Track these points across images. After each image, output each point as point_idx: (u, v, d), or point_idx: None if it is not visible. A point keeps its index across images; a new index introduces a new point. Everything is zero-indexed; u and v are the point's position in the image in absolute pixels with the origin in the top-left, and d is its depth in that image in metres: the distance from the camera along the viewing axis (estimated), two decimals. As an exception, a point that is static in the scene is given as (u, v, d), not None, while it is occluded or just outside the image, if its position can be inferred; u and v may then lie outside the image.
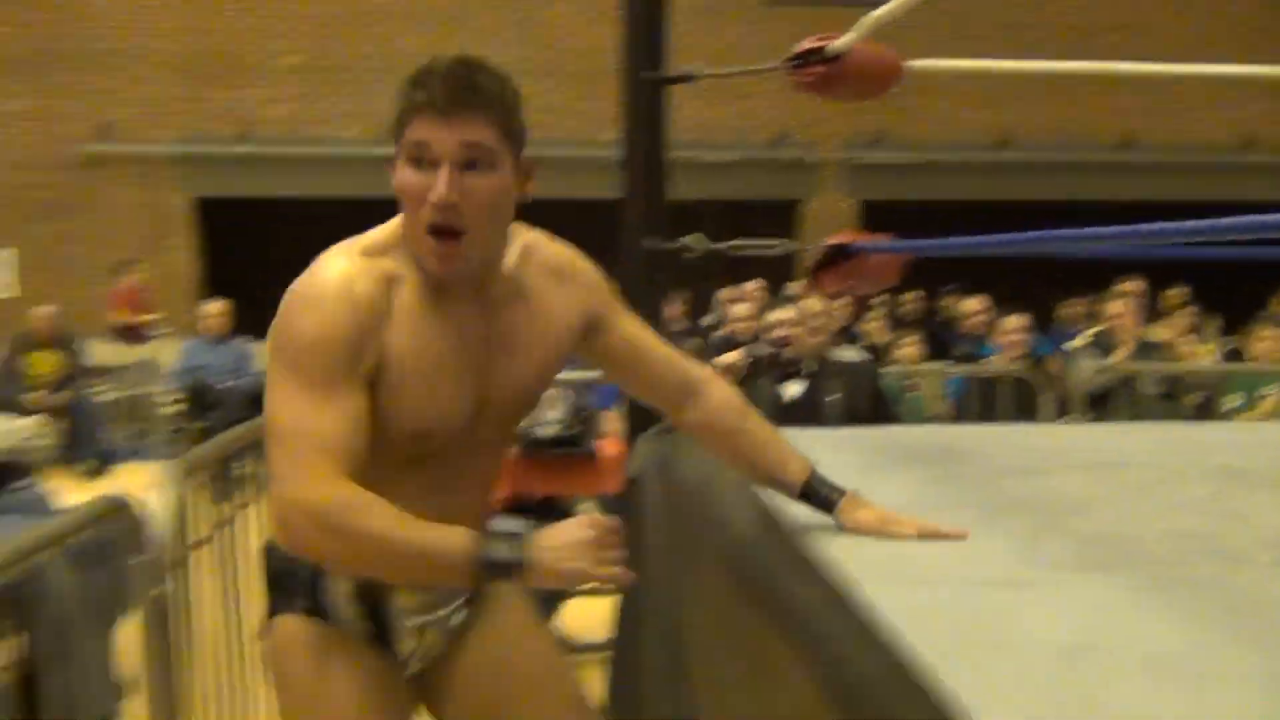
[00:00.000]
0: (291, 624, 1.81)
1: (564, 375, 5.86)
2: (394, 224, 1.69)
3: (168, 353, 9.70)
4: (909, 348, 6.51)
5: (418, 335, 1.65)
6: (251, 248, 11.14)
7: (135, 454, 8.26)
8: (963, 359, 6.23)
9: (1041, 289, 10.14)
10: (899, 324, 8.09)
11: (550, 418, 4.97)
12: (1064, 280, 9.21)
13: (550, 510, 4.51)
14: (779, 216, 11.88)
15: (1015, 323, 5.78)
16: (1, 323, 9.64)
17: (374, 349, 1.62)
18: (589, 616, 4.03)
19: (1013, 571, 1.62)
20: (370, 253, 1.66)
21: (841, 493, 1.91)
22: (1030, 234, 2.16)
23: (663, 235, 3.25)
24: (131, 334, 9.81)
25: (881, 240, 2.90)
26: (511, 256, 1.77)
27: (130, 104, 10.89)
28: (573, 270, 1.86)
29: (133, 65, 10.95)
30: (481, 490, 1.87)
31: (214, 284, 11.10)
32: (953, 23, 11.37)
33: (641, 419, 3.19)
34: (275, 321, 1.62)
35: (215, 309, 8.74)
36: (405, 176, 1.60)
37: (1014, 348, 5.74)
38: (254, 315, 11.29)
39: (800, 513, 1.97)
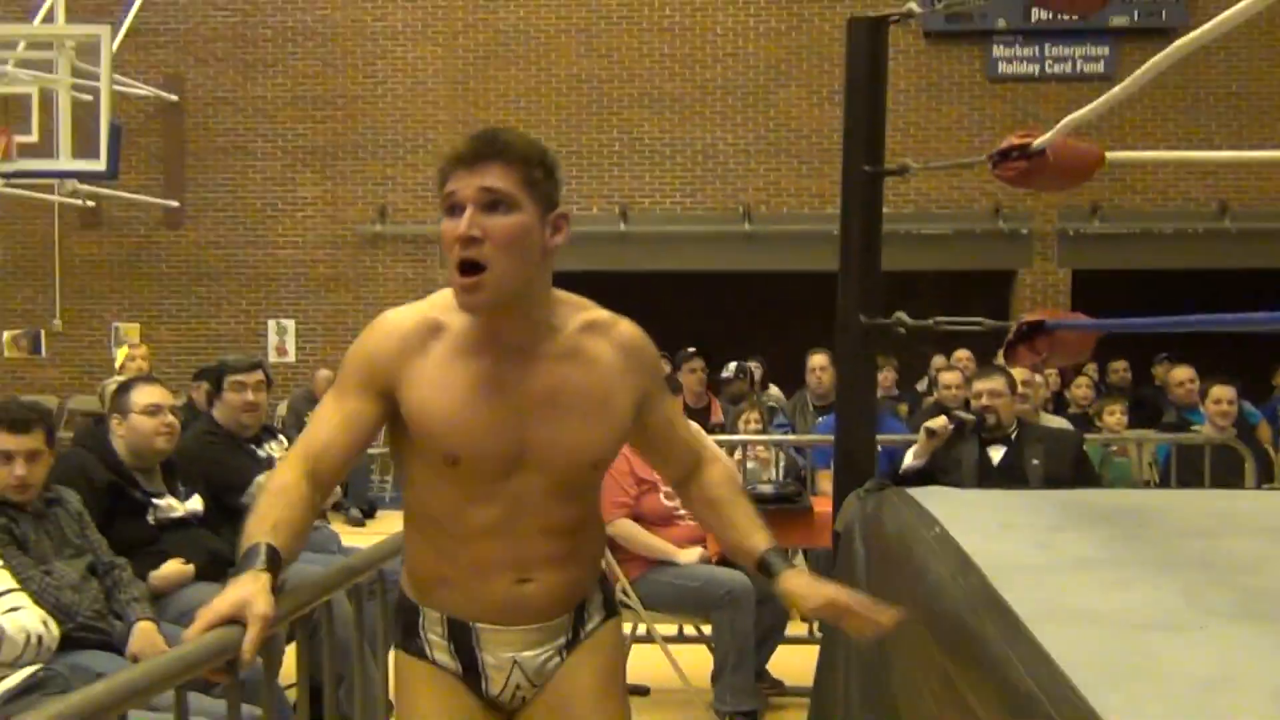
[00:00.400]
0: (399, 659, 2.03)
1: (782, 437, 6.07)
2: (450, 290, 1.85)
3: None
4: (1115, 415, 6.45)
5: (447, 371, 1.84)
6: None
7: (394, 502, 8.87)
8: (1170, 426, 6.14)
9: (1258, 356, 9.77)
10: (1107, 391, 7.97)
11: (768, 475, 5.19)
12: (1281, 349, 8.86)
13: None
14: (994, 286, 11.80)
15: (1222, 392, 5.69)
16: (281, 384, 10.50)
17: (395, 370, 1.85)
18: (800, 661, 4.19)
19: (1171, 617, 1.76)
20: (429, 307, 1.89)
21: (787, 565, 2.07)
22: (1229, 315, 2.12)
23: (876, 311, 3.44)
24: None
25: (1074, 318, 3.02)
26: (574, 322, 1.93)
27: (405, 189, 11.72)
28: (639, 349, 1.99)
29: (409, 154, 11.79)
30: (553, 539, 1.94)
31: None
32: (1170, 97, 11.15)
33: (850, 478, 3.37)
34: None
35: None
36: (442, 227, 1.79)
37: (1222, 416, 5.65)
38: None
39: (991, 558, 2.14)
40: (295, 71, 11.86)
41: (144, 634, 3.23)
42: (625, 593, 4.54)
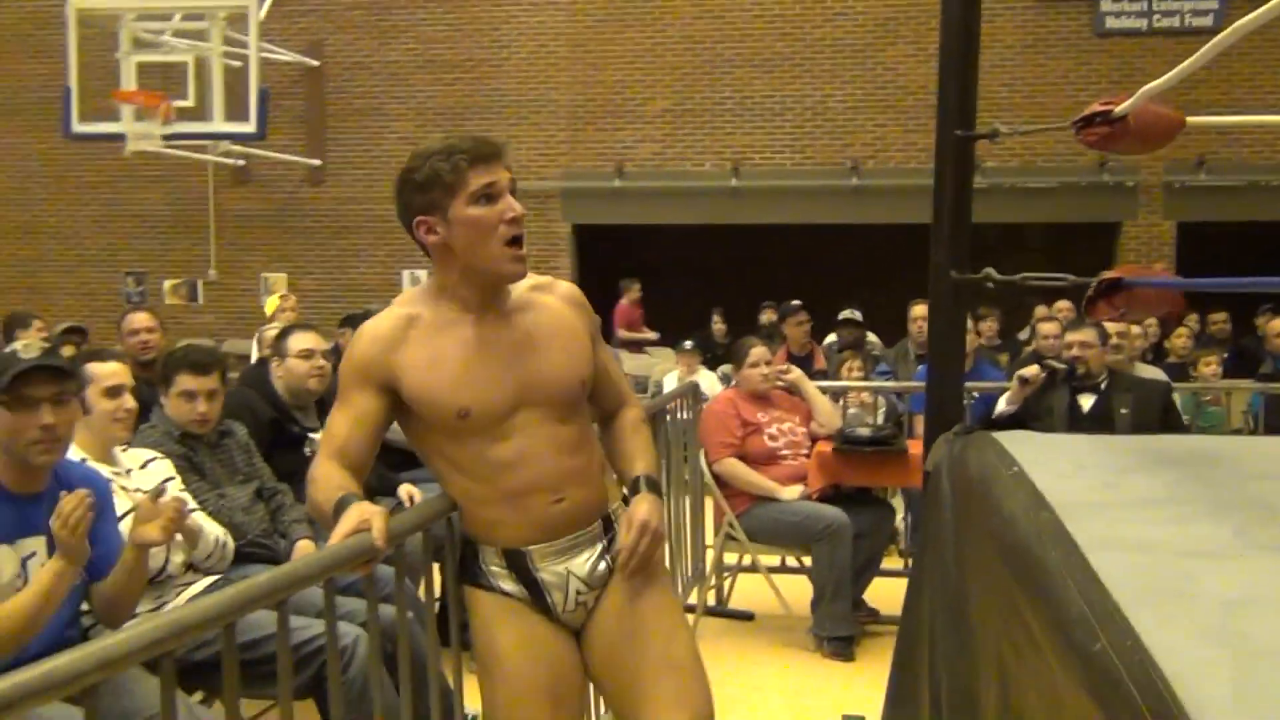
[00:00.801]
0: (471, 594, 2.27)
1: (881, 383, 6.15)
2: (414, 289, 2.23)
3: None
4: (1211, 365, 6.39)
5: (434, 347, 2.15)
6: (616, 268, 11.98)
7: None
8: (1266, 377, 6.08)
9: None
10: (1206, 342, 7.86)
11: (869, 420, 5.31)
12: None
13: (863, 499, 4.84)
14: (1100, 238, 11.61)
15: (1317, 343, 5.61)
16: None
17: (386, 366, 2.14)
18: (894, 591, 4.35)
19: (1218, 547, 1.87)
20: (398, 307, 2.21)
21: (647, 490, 2.28)
22: None
23: (966, 267, 3.53)
24: (634, 347, 10.92)
25: (1155, 274, 3.08)
26: (522, 285, 2.24)
27: (528, 147, 11.96)
28: (580, 300, 2.32)
29: (532, 115, 12.02)
30: (565, 456, 2.21)
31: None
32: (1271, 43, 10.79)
33: (939, 423, 3.48)
34: None
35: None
36: (478, 213, 2.09)
37: (1316, 367, 5.58)
38: (613, 329, 12.16)
39: (1060, 495, 2.26)
40: (426, 36, 12.13)
41: (304, 550, 3.53)
42: (731, 525, 4.73)
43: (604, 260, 12.66)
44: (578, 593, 2.26)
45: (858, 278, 11.79)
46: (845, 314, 7.68)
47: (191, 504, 3.33)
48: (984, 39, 11.55)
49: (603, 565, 2.28)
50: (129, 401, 3.13)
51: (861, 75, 11.54)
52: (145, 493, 3.15)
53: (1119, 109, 2.84)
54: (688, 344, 8.46)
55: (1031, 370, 4.74)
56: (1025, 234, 12.43)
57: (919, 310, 7.25)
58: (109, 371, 3.12)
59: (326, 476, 2.07)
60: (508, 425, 2.16)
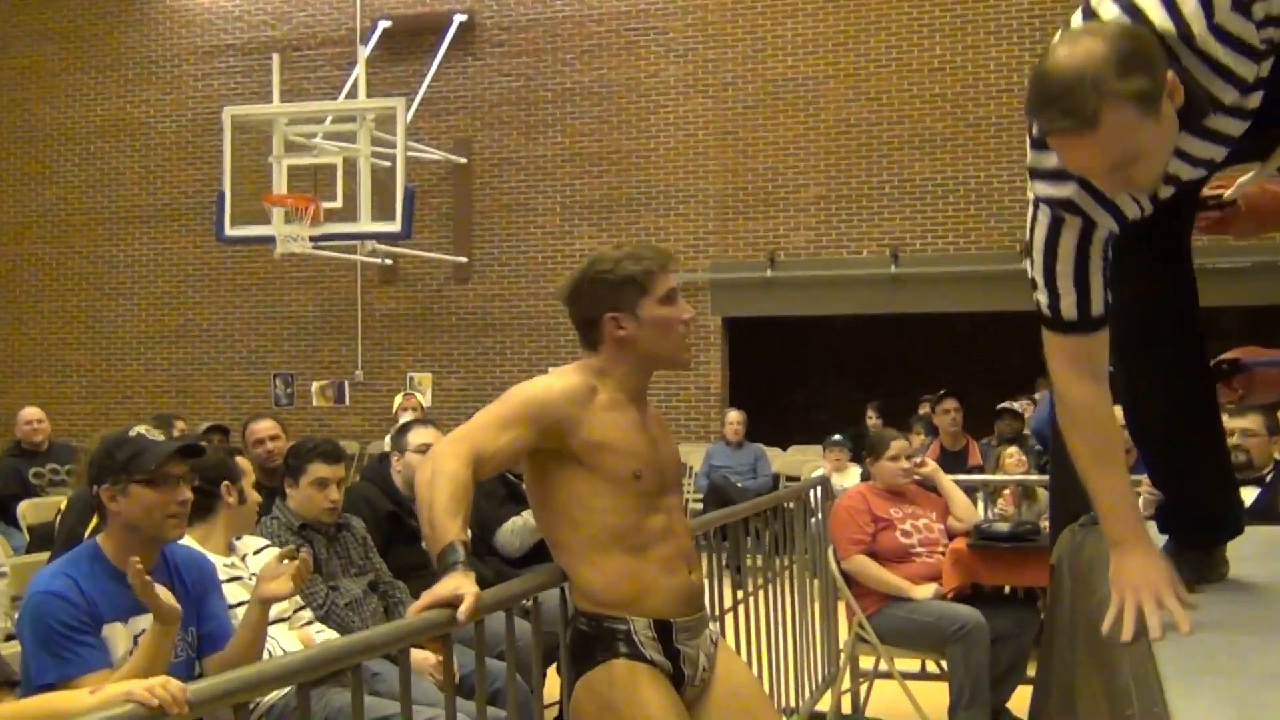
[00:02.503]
0: (623, 667, 2.49)
1: (1022, 477, 6.13)
2: (575, 365, 2.63)
3: (694, 456, 10.83)
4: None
5: (614, 416, 2.55)
6: (769, 363, 12.14)
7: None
8: None
9: None
10: None
11: (1011, 515, 5.33)
12: None
13: (1005, 599, 4.85)
14: (1305, 321, 11.24)
15: None
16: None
17: (567, 416, 2.47)
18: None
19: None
20: (577, 374, 2.57)
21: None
22: None
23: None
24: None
25: (1274, 354, 3.11)
26: None
27: (677, 238, 12.33)
28: None
29: (680, 205, 12.41)
30: (688, 537, 2.70)
31: (735, 394, 12.21)
32: None
33: (1064, 515, 3.54)
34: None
35: (735, 416, 9.69)
36: (666, 313, 2.57)
37: None
38: (766, 423, 12.28)
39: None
40: (573, 130, 12.72)
41: (416, 657, 3.79)
42: (862, 626, 4.81)
43: (756, 354, 12.86)
44: (703, 669, 2.61)
45: (1025, 367, 11.68)
46: (1004, 404, 7.69)
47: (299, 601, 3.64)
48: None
49: (712, 648, 2.69)
50: (254, 496, 3.51)
51: (1027, 154, 11.56)
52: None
53: (1228, 194, 2.93)
54: (836, 437, 8.50)
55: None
56: (1221, 320, 12.11)
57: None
58: (246, 469, 3.51)
59: (452, 490, 2.29)
60: (660, 500, 2.60)
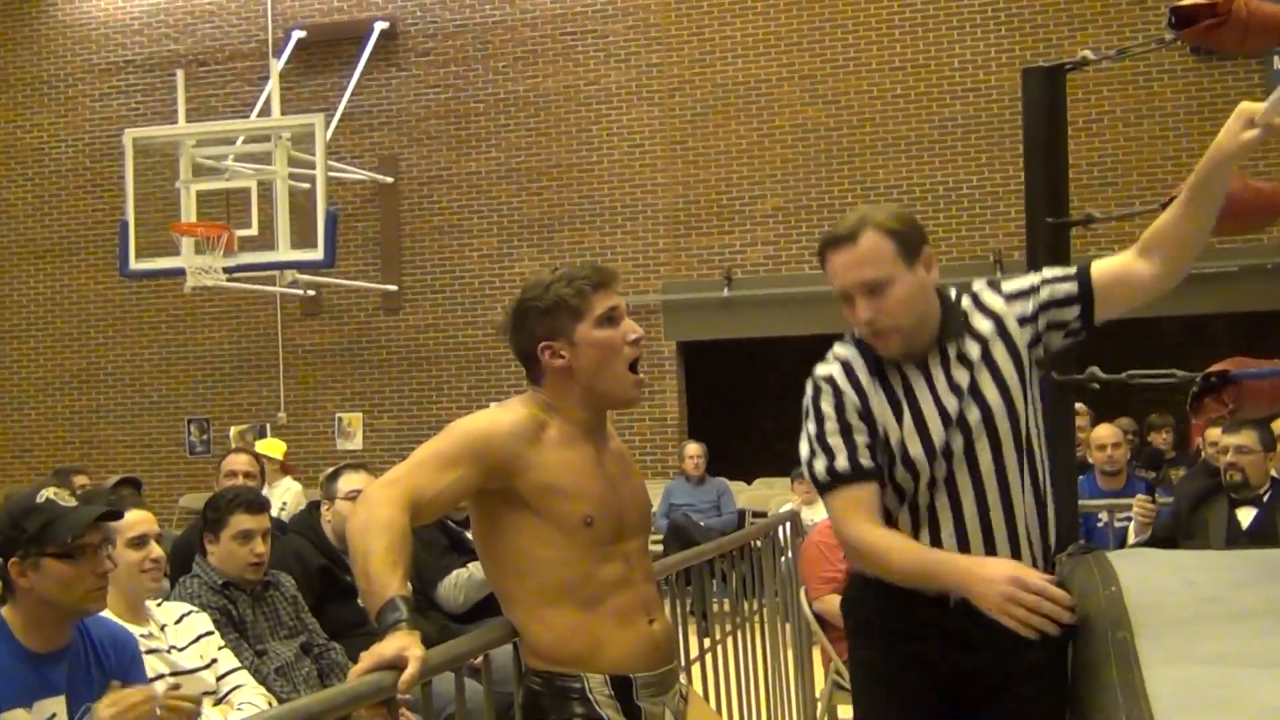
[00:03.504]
0: None
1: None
2: (520, 399, 2.61)
3: (652, 494, 10.82)
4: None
5: (565, 454, 2.53)
6: (729, 390, 12.18)
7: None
8: None
9: None
10: None
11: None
12: None
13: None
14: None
15: None
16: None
17: (513, 454, 2.46)
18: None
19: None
20: (523, 407, 2.57)
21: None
22: None
23: (1069, 367, 3.68)
24: None
25: (1265, 366, 3.19)
26: None
27: (625, 258, 12.37)
28: None
29: (628, 222, 12.46)
30: (651, 584, 2.68)
31: (693, 425, 12.25)
32: None
33: (1061, 540, 3.59)
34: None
35: (695, 450, 9.73)
36: (604, 335, 2.54)
37: None
38: (728, 455, 12.33)
39: (1151, 614, 2.42)
40: (509, 144, 12.75)
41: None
42: (839, 673, 4.84)
43: (715, 381, 12.91)
44: None
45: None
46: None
47: (230, 663, 3.62)
48: (1141, 106, 11.80)
49: (681, 705, 2.68)
50: (155, 551, 3.44)
51: (1000, 157, 11.73)
52: (179, 650, 3.46)
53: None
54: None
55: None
56: (1209, 328, 12.33)
57: (1078, 420, 7.31)
58: (132, 521, 3.44)
59: (389, 541, 2.26)
60: (618, 546, 2.57)
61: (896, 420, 2.58)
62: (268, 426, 13.10)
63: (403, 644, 2.15)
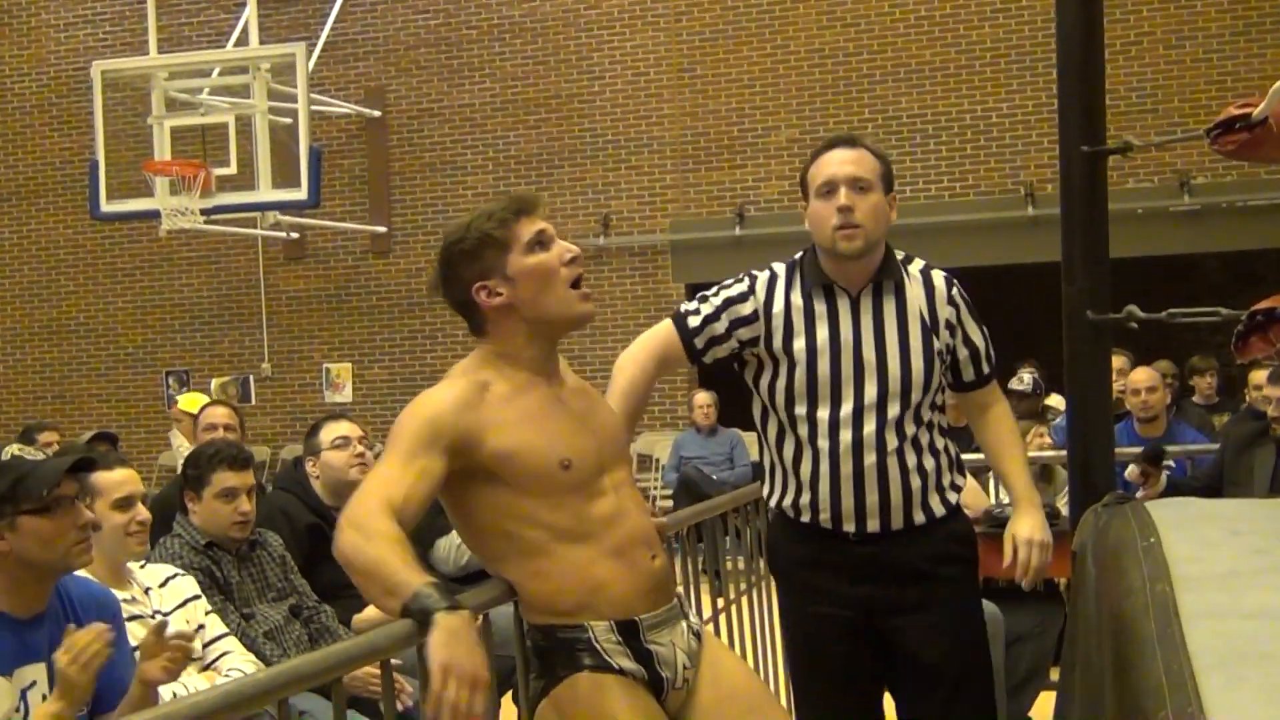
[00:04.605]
0: (587, 679, 2.52)
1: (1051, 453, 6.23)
2: (466, 362, 2.65)
3: (660, 446, 10.87)
4: None
5: (517, 406, 2.55)
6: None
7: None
8: None
9: None
10: None
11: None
12: None
13: (1023, 595, 4.89)
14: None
15: None
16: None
17: (463, 427, 2.47)
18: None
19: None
20: (463, 375, 2.60)
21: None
22: None
23: (1105, 307, 3.67)
24: None
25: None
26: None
27: (630, 195, 12.34)
28: None
29: (632, 156, 12.41)
30: (645, 514, 2.73)
31: (703, 373, 12.24)
32: None
33: (1086, 494, 3.60)
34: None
35: (705, 399, 9.73)
36: (538, 259, 2.58)
37: None
38: (741, 404, 12.30)
39: (1192, 565, 2.43)
40: (504, 74, 12.68)
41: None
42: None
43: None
44: (684, 667, 2.64)
45: (1036, 328, 11.77)
46: (1014, 384, 7.76)
47: (218, 629, 3.65)
48: (1183, 28, 11.68)
49: (694, 642, 2.70)
50: (141, 513, 3.46)
51: (1032, 83, 11.65)
52: (164, 615, 3.48)
53: (1257, 111, 3.00)
54: None
55: (1132, 473, 4.88)
56: (1255, 263, 12.29)
57: (1116, 362, 7.28)
58: (117, 480, 3.46)
59: (388, 536, 2.27)
60: (601, 481, 2.61)
61: (810, 336, 3.07)
62: (251, 378, 13.15)
63: (476, 665, 2.14)
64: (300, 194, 10.71)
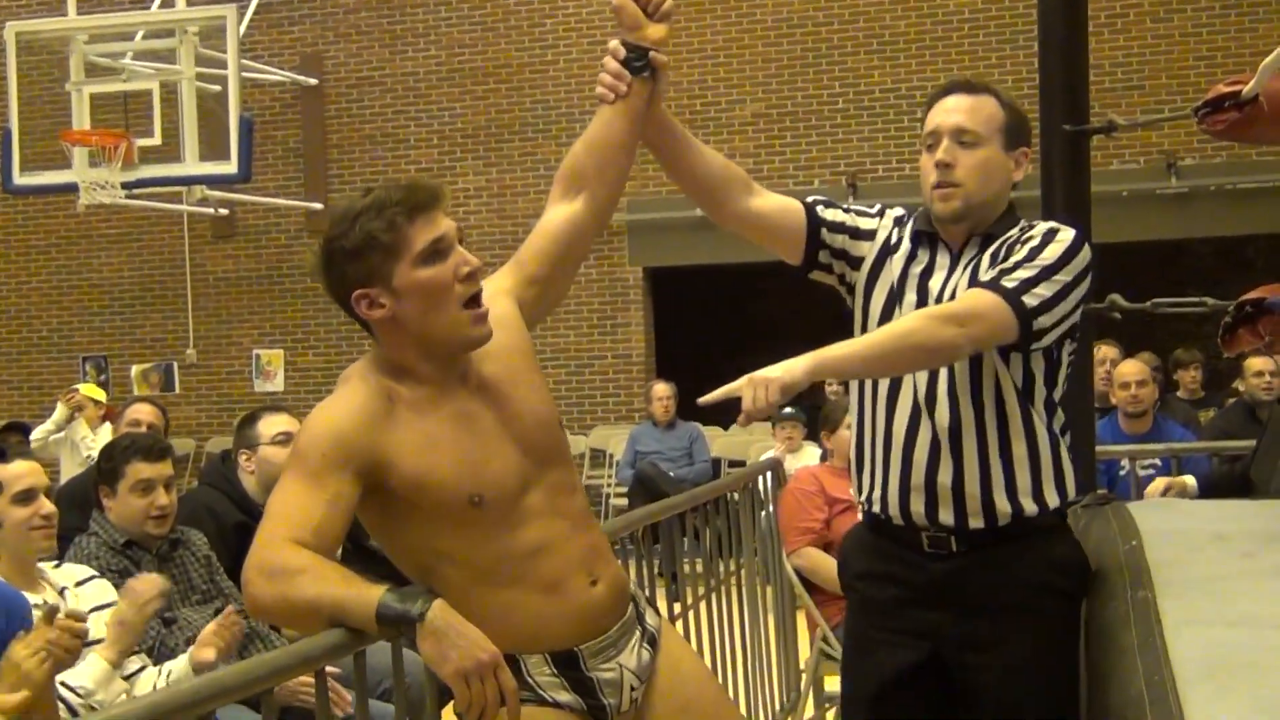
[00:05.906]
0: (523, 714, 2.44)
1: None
2: (362, 364, 2.45)
3: (615, 440, 10.88)
4: None
5: (421, 427, 2.38)
6: (700, 322, 12.14)
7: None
8: None
9: None
10: None
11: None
12: None
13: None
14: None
15: None
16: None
17: (370, 449, 2.32)
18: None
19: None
20: (361, 381, 2.41)
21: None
22: None
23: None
24: None
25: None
26: None
27: (583, 172, 12.27)
28: (504, 314, 2.53)
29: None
30: (582, 533, 2.54)
31: (661, 363, 12.26)
32: None
33: (1078, 489, 3.63)
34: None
35: (663, 390, 9.75)
36: (429, 274, 2.34)
37: None
38: (699, 395, 12.32)
39: (1174, 570, 2.46)
40: (450, 40, 12.61)
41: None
42: (826, 640, 4.89)
43: (687, 313, 12.90)
44: (631, 688, 2.56)
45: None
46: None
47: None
48: (1171, 1, 11.76)
49: (645, 654, 2.60)
50: (45, 506, 3.43)
51: (1013, 57, 11.70)
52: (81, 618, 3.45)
53: (1247, 89, 3.03)
54: (788, 410, 8.34)
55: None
56: (1244, 249, 12.42)
57: (1106, 352, 7.30)
58: (17, 473, 3.42)
59: (309, 566, 2.20)
60: (522, 507, 2.45)
61: (900, 282, 2.94)
62: (175, 366, 13.06)
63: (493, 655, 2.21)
64: (230, 167, 10.61)
